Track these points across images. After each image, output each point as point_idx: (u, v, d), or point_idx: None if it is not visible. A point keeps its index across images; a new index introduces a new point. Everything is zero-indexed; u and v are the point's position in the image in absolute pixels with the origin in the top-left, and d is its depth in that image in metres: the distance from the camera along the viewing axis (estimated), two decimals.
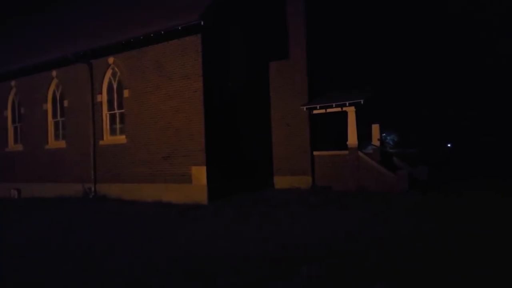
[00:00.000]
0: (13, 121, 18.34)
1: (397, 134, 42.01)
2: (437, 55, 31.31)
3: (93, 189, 15.14)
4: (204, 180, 12.71)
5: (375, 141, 16.13)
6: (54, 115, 16.81)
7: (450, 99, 32.47)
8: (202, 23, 12.07)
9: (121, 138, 14.66)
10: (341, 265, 5.79)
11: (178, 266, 6.08)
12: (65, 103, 16.25)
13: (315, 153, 15.18)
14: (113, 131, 15.16)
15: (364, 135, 16.33)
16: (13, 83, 17.97)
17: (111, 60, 14.82)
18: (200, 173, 12.79)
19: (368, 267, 5.64)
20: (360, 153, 14.36)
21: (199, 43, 12.76)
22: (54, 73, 16.50)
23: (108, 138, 15.11)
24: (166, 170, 13.51)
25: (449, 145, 48.76)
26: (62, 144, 16.38)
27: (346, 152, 14.57)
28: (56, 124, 16.82)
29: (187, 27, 12.42)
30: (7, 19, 27.07)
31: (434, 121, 34.27)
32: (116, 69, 14.85)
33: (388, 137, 43.25)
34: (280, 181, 15.71)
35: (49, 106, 16.87)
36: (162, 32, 12.85)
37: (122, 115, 14.78)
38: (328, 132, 16.05)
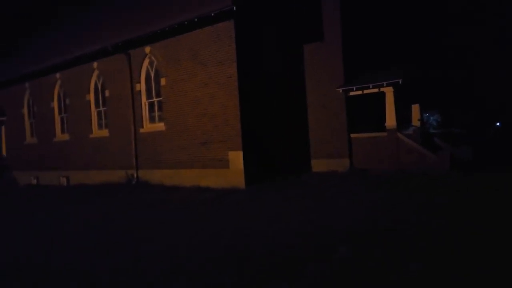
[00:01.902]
0: (59, 112, 19.22)
1: (441, 114, 40.45)
2: (480, 32, 29.69)
3: (135, 175, 15.69)
4: (241, 165, 12.86)
5: (415, 122, 15.67)
6: (97, 105, 17.46)
7: (495, 75, 30.77)
8: (234, 8, 12.08)
9: (160, 126, 15.05)
10: (374, 246, 5.77)
11: (216, 249, 6.26)
12: (106, 93, 16.83)
13: (352, 135, 14.96)
14: (152, 119, 15.59)
15: (404, 116, 15.92)
16: (58, 75, 18.80)
17: (147, 49, 15.15)
18: (236, 158, 12.94)
19: (401, 250, 5.58)
20: (399, 134, 14.02)
21: (232, 29, 12.78)
22: (95, 64, 17.09)
23: (147, 126, 15.56)
24: (203, 155, 13.77)
25: (498, 124, 46.37)
26: (105, 132, 17.03)
27: (385, 133, 14.27)
28: (99, 114, 17.49)
29: (219, 13, 12.46)
30: (51, 15, 28.15)
31: (480, 99, 32.69)
32: (153, 58, 15.18)
33: (431, 118, 41.76)
34: (317, 164, 15.63)
35: (91, 97, 17.54)
36: (196, 20, 12.97)
37: (160, 103, 15.14)
38: (366, 113, 15.72)
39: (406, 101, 16.08)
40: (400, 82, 13.43)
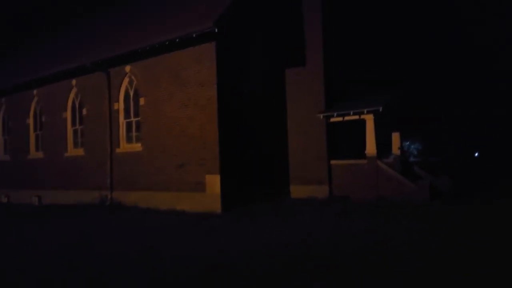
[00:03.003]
0: (35, 129, 18.69)
1: (422, 143, 40.92)
2: (459, 57, 30.37)
3: (109, 196, 15.19)
4: (217, 189, 12.54)
5: (396, 150, 15.63)
6: (73, 123, 17.03)
7: (473, 100, 31.31)
8: (216, 30, 11.99)
9: (137, 146, 14.69)
10: (350, 279, 5.50)
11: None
12: (84, 111, 16.45)
13: (332, 162, 14.83)
14: (129, 139, 15.22)
15: (385, 143, 15.89)
16: (35, 92, 18.35)
17: (128, 68, 14.92)
18: (214, 182, 12.63)
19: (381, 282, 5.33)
20: (379, 162, 13.94)
21: (213, 51, 12.67)
22: (73, 82, 16.75)
23: (124, 146, 15.17)
24: (180, 178, 13.42)
25: (476, 154, 47.08)
26: (80, 151, 16.55)
27: (365, 161, 14.17)
28: (75, 132, 17.04)
29: (201, 35, 12.36)
30: (31, 32, 27.91)
31: (459, 127, 33.20)
32: (132, 77, 14.94)
33: (412, 146, 42.19)
34: (297, 190, 15.40)
35: (68, 114, 17.11)
36: (177, 40, 12.84)
37: (138, 123, 14.82)
38: (346, 140, 15.67)
39: (388, 129, 16.09)
40: (380, 110, 13.43)
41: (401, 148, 16.04)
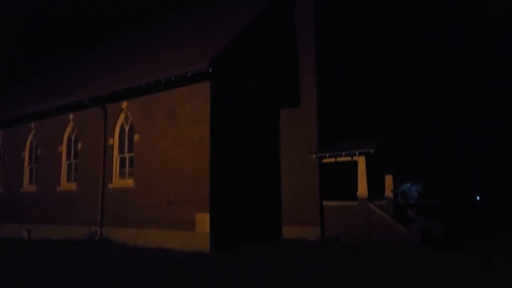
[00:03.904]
0: (30, 162, 18.71)
1: (421, 185, 40.64)
2: (453, 98, 30.70)
3: (98, 232, 15.00)
4: (207, 228, 12.40)
5: (388, 192, 15.56)
6: (68, 157, 17.08)
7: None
8: (210, 70, 12.26)
9: (129, 182, 14.66)
10: None
11: None
12: (79, 145, 16.54)
13: (324, 203, 14.72)
14: (122, 175, 15.20)
15: (379, 185, 15.85)
16: (32, 125, 18.52)
17: (124, 104, 15.13)
18: (203, 221, 12.50)
19: None
20: (371, 205, 13.83)
21: (208, 90, 12.89)
22: (71, 116, 16.93)
23: (117, 181, 15.13)
24: (170, 216, 13.29)
25: (478, 197, 46.45)
26: (73, 186, 16.51)
27: (356, 203, 14.06)
28: (69, 166, 17.05)
29: (196, 74, 12.61)
30: (31, 65, 28.60)
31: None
32: (128, 113, 15.12)
33: (413, 188, 41.89)
34: (288, 231, 15.20)
35: (63, 148, 17.19)
36: (173, 79, 13.10)
37: (131, 159, 14.86)
38: (339, 181, 15.65)
39: (383, 169, 16.09)
40: (372, 152, 13.47)
41: (394, 190, 15.96)
